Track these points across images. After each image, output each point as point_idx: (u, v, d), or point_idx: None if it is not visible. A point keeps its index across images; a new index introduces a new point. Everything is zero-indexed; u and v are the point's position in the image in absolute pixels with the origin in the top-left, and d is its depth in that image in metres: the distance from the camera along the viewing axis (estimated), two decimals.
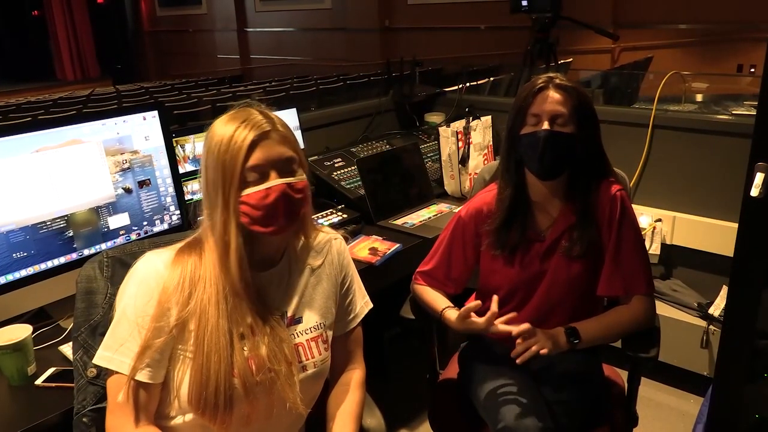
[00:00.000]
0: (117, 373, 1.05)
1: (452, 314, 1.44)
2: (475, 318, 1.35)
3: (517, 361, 1.33)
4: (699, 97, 3.58)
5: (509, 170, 1.48)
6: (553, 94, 1.39)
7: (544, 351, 1.33)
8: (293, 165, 1.08)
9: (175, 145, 1.82)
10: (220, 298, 1.06)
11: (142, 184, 1.65)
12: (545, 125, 1.38)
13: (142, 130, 1.64)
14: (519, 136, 1.42)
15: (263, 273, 1.14)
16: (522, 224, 1.48)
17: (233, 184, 1.03)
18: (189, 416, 1.08)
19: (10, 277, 1.44)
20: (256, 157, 1.03)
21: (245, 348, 1.07)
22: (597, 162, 1.48)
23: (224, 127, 1.05)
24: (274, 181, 1.04)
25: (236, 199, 1.04)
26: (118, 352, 1.05)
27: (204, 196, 1.09)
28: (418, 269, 1.62)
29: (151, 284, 1.06)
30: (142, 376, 1.04)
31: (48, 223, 1.48)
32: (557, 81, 1.41)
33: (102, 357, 1.06)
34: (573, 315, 1.50)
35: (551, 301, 1.50)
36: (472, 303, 1.35)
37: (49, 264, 1.50)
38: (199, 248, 1.10)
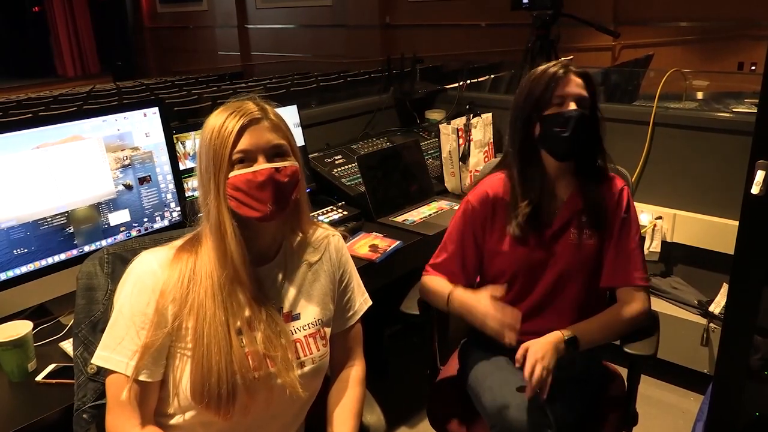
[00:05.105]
0: (115, 372, 1.05)
1: (460, 292, 1.46)
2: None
3: (526, 393, 1.35)
4: (700, 95, 3.57)
5: (524, 152, 1.49)
6: (576, 78, 1.43)
7: (549, 376, 1.35)
8: (282, 152, 1.09)
9: (175, 141, 1.82)
10: (216, 290, 1.06)
11: (142, 180, 1.65)
12: (572, 105, 1.41)
13: (143, 127, 1.64)
14: (542, 117, 1.43)
15: (259, 268, 1.14)
16: (533, 203, 1.49)
17: (222, 169, 1.05)
18: (189, 414, 1.08)
19: (10, 274, 1.44)
20: (244, 142, 1.05)
21: (243, 343, 1.07)
22: (601, 151, 1.52)
23: (217, 117, 1.07)
24: (261, 165, 1.05)
25: (225, 182, 1.05)
26: (115, 351, 1.05)
27: (199, 185, 1.11)
28: (429, 262, 1.61)
29: (146, 283, 1.06)
30: (141, 375, 1.04)
31: (48, 219, 1.48)
32: (573, 67, 1.45)
33: (100, 357, 1.06)
34: (576, 308, 1.50)
35: (555, 290, 1.51)
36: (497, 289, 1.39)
37: (50, 260, 1.50)
38: (197, 244, 1.10)
